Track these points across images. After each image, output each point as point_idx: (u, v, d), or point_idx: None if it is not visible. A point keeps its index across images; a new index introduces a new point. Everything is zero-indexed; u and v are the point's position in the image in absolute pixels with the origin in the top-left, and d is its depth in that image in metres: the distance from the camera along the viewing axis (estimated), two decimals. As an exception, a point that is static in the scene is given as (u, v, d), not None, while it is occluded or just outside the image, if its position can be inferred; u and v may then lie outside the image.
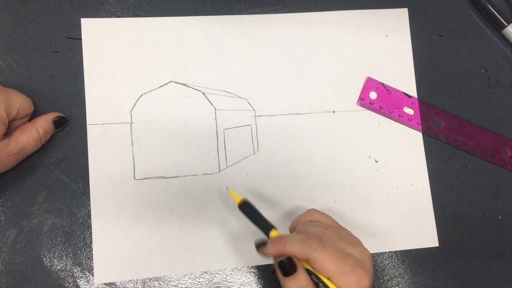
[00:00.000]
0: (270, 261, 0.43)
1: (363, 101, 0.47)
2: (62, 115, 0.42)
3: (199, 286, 0.42)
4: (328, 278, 0.32)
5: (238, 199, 0.38)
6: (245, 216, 0.38)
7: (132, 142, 0.43)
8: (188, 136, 0.44)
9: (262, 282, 0.43)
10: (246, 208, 0.38)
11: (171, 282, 0.42)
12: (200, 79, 0.45)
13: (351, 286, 0.32)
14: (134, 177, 0.43)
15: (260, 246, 0.35)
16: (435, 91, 0.49)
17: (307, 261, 0.33)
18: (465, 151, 0.48)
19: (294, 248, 0.33)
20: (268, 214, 0.43)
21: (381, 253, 0.45)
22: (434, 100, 0.49)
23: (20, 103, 0.39)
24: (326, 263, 0.32)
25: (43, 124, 0.40)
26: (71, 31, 0.44)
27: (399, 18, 0.49)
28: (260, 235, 0.36)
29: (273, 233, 0.36)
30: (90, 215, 0.41)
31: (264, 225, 0.37)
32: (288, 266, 0.32)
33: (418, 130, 0.48)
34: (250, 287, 0.43)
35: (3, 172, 0.39)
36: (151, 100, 0.44)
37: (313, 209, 0.40)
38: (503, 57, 0.51)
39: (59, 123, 0.42)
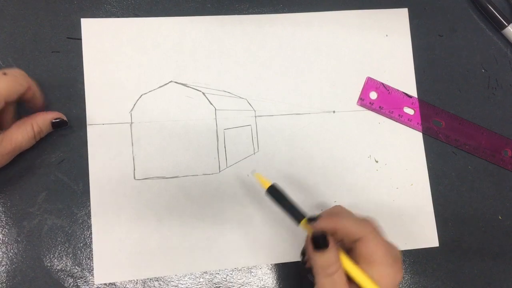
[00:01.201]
0: (271, 261, 0.43)
1: (363, 101, 0.47)
2: (63, 117, 0.41)
3: (199, 286, 0.42)
4: (370, 263, 0.32)
5: (266, 184, 0.36)
6: (274, 202, 0.36)
7: (132, 142, 0.43)
8: (188, 136, 0.44)
9: (262, 282, 0.43)
10: (275, 193, 0.36)
11: (171, 282, 0.42)
12: (200, 79, 0.45)
13: (387, 278, 0.32)
14: (134, 177, 0.43)
15: (311, 221, 0.35)
16: (435, 91, 0.49)
17: (358, 242, 0.32)
18: (465, 151, 0.48)
19: (348, 226, 0.33)
20: (267, 215, 0.43)
21: (381, 253, 0.45)
22: (434, 100, 0.49)
23: (3, 88, 0.35)
24: (376, 248, 0.32)
25: (40, 123, 0.40)
26: (71, 31, 0.44)
27: (399, 18, 0.49)
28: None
29: (304, 223, 0.35)
30: (90, 215, 0.41)
31: (295, 213, 0.35)
32: (321, 240, 0.32)
33: (418, 130, 0.48)
34: (250, 287, 0.43)
35: None
36: (151, 100, 0.44)
37: (339, 205, 0.39)
38: (503, 57, 0.51)
39: (57, 125, 0.41)
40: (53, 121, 0.40)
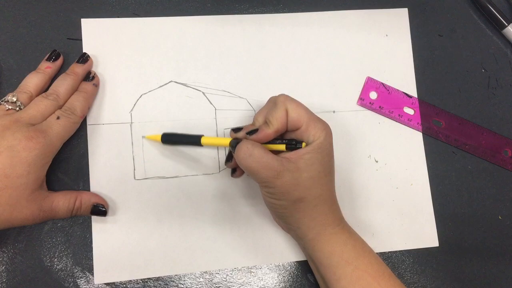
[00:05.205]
0: (271, 261, 0.43)
1: (363, 101, 0.47)
2: (105, 206, 0.40)
3: (199, 286, 0.42)
4: (300, 126, 0.37)
5: (158, 136, 0.42)
6: (174, 144, 0.42)
7: (132, 142, 0.43)
8: (188, 136, 0.44)
9: (262, 282, 0.43)
10: (169, 137, 0.42)
11: (171, 282, 0.42)
12: (200, 79, 0.45)
13: (321, 128, 0.37)
14: (134, 177, 0.43)
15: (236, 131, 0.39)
16: (435, 91, 0.49)
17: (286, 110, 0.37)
18: (465, 151, 0.48)
19: (268, 109, 0.38)
20: (267, 215, 0.43)
21: (381, 253, 0.45)
22: (434, 100, 0.49)
23: (59, 132, 0.38)
24: (299, 109, 0.37)
25: (84, 201, 0.39)
26: (72, 31, 0.44)
27: (399, 18, 0.49)
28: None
29: (204, 139, 0.40)
30: (90, 215, 0.41)
31: (194, 138, 0.40)
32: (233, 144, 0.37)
33: (418, 130, 0.48)
34: (250, 287, 0.43)
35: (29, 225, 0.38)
36: (151, 100, 0.44)
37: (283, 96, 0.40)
38: (503, 57, 0.51)
39: (96, 212, 0.40)
40: (94, 205, 0.40)
